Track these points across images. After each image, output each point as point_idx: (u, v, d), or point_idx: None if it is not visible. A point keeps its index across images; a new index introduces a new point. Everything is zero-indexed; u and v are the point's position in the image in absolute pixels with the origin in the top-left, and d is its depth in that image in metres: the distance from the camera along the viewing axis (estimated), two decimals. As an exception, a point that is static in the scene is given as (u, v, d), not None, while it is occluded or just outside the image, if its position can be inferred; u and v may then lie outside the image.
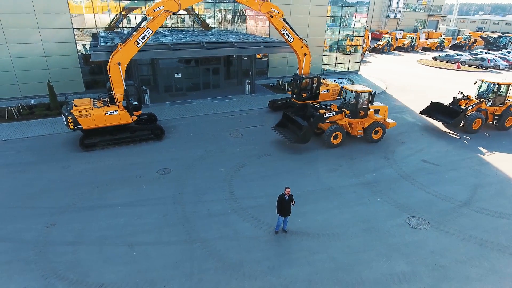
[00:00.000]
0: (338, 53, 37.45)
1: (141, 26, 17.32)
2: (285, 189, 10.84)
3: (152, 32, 17.36)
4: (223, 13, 31.38)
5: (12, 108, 21.44)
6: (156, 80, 27.69)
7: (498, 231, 11.96)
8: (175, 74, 27.39)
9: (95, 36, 25.42)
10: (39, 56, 24.08)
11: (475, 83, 22.18)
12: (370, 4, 38.37)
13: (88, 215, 12.28)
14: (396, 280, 9.73)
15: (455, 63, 45.64)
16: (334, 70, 37.93)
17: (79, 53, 25.37)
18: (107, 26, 26.50)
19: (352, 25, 37.15)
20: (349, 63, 38.50)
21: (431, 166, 16.67)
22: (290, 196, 10.84)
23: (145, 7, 26.56)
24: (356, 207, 13.20)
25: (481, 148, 18.93)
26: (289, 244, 11.06)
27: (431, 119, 22.28)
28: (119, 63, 16.84)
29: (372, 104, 18.56)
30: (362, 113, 18.34)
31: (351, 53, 38.12)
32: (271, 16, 20.54)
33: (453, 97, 21.96)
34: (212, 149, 17.82)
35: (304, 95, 22.44)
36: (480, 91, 21.85)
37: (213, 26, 30.68)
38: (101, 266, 9.97)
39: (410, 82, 35.31)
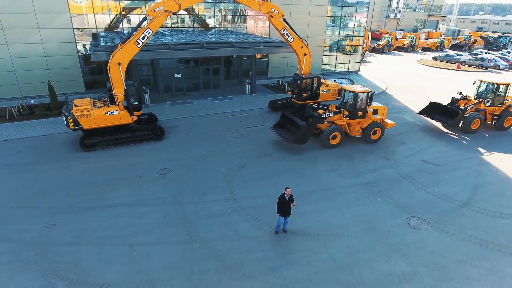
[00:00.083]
0: (338, 53, 37.45)
1: (141, 26, 17.32)
2: (285, 190, 10.85)
3: (152, 32, 17.36)
4: (223, 13, 31.39)
5: (12, 108, 21.45)
6: (156, 80, 27.69)
7: (498, 231, 11.96)
8: (175, 74, 27.39)
9: (95, 36, 25.42)
10: (39, 56, 24.08)
11: (474, 83, 22.18)
12: (370, 4, 38.38)
13: (89, 215, 12.29)
14: (397, 280, 9.74)
15: (455, 63, 45.64)
16: (334, 70, 37.94)
17: (79, 53, 25.37)
18: (107, 26, 26.50)
19: (352, 25, 37.15)
20: (349, 63, 38.50)
21: (431, 166, 16.67)
22: (291, 196, 10.85)
23: (145, 7, 26.56)
24: (356, 207, 13.20)
25: (481, 148, 18.93)
26: (289, 244, 11.06)
27: (430, 119, 22.26)
28: (119, 63, 16.84)
29: (370, 104, 18.54)
30: (360, 113, 18.32)
31: (351, 53, 38.12)
32: (271, 16, 20.55)
33: (452, 97, 21.96)
34: (212, 149, 17.83)
35: (304, 95, 22.43)
36: (479, 91, 21.82)
37: (213, 26, 30.68)
38: (101, 266, 9.97)
39: (410, 82, 35.32)
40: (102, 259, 10.23)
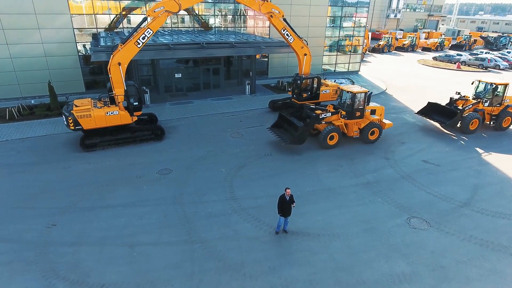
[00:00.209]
0: (338, 53, 37.46)
1: (141, 26, 17.33)
2: (285, 190, 10.85)
3: (153, 32, 17.36)
4: (223, 13, 31.40)
5: (12, 109, 21.45)
6: (157, 81, 27.70)
7: (499, 231, 11.96)
8: (175, 75, 27.40)
9: (95, 36, 25.43)
10: (40, 56, 24.09)
11: (472, 83, 22.14)
12: (370, 4, 38.38)
13: (89, 215, 12.29)
14: (397, 280, 9.74)
15: (455, 63, 45.64)
16: (334, 70, 37.95)
17: (79, 53, 25.38)
18: (107, 26, 26.50)
19: (352, 25, 37.15)
20: (349, 63, 38.51)
21: (431, 167, 16.68)
22: (291, 197, 10.85)
23: (146, 7, 26.57)
24: (357, 207, 13.21)
25: (481, 148, 18.94)
26: (289, 245, 11.06)
27: (428, 119, 22.18)
28: (119, 64, 16.84)
29: (368, 104, 18.50)
30: (358, 113, 18.27)
31: (351, 53, 38.12)
32: (271, 16, 20.55)
33: (450, 98, 21.92)
34: (212, 150, 17.83)
35: (305, 95, 22.43)
36: (477, 91, 21.78)
37: (213, 26, 30.68)
38: (101, 266, 9.98)
39: (410, 82, 35.33)
40: (102, 259, 10.24)
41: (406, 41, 62.20)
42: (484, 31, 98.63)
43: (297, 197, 11.92)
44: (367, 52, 54.85)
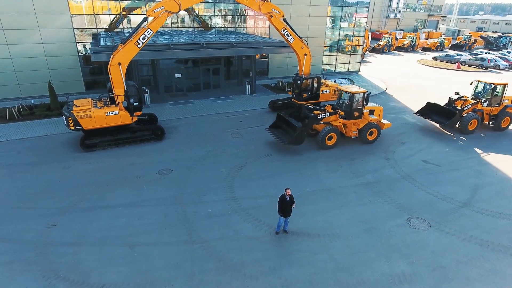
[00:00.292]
0: (338, 53, 37.46)
1: (141, 26, 17.33)
2: (285, 190, 10.86)
3: (153, 32, 17.36)
4: (223, 13, 31.40)
5: (12, 109, 21.45)
6: (157, 81, 27.70)
7: (499, 231, 11.96)
8: (176, 75, 27.40)
9: (95, 36, 25.43)
10: (40, 57, 24.09)
11: (471, 84, 22.10)
12: (370, 4, 38.38)
13: (89, 215, 12.29)
14: (397, 280, 9.74)
15: (455, 63, 45.64)
16: (335, 70, 37.95)
17: (79, 54, 25.38)
18: (107, 27, 26.51)
19: (352, 25, 37.14)
20: (349, 63, 38.51)
21: (431, 167, 16.68)
22: (291, 197, 10.85)
23: (146, 8, 26.57)
24: (357, 207, 13.21)
25: (481, 149, 18.94)
26: (289, 245, 11.07)
27: (427, 119, 22.10)
28: (119, 64, 16.84)
29: (366, 105, 18.45)
30: (356, 114, 18.24)
31: (351, 53, 38.12)
32: (271, 16, 20.55)
33: (449, 98, 21.89)
34: (212, 150, 17.83)
35: (305, 95, 22.43)
36: (476, 91, 21.73)
37: (213, 26, 30.69)
38: (102, 266, 9.98)
39: (410, 82, 35.33)
40: (102, 260, 10.24)
41: (406, 41, 62.21)
42: (484, 31, 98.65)
43: (297, 197, 11.92)
44: (367, 52, 54.85)
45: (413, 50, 62.34)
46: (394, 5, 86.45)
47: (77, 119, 16.39)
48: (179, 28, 29.79)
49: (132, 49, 17.15)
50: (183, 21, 30.17)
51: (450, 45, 66.59)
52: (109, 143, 17.72)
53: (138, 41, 17.07)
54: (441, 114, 21.28)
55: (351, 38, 37.53)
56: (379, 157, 17.57)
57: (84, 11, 25.17)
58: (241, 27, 32.09)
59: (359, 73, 38.87)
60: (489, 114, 21.36)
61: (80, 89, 26.03)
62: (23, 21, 22.90)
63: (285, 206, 10.88)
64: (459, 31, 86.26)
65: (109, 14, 26.33)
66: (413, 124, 22.52)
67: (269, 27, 31.74)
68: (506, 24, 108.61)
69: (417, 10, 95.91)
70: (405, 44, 61.75)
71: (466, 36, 67.63)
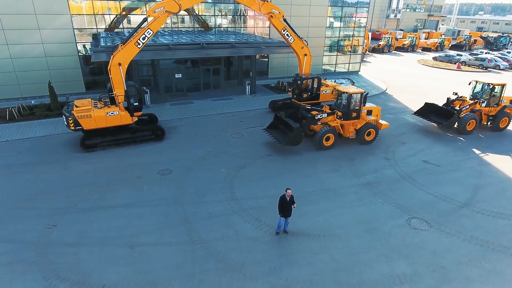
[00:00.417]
0: (338, 54, 37.45)
1: (141, 26, 17.33)
2: (286, 190, 10.86)
3: (153, 33, 17.37)
4: (223, 13, 31.39)
5: (12, 109, 21.46)
6: (157, 81, 27.70)
7: (499, 231, 11.97)
8: (176, 75, 27.40)
9: (95, 36, 25.43)
10: (40, 57, 24.09)
11: (469, 84, 22.04)
12: (370, 4, 38.37)
13: (89, 216, 12.29)
14: (397, 281, 9.74)
15: (455, 63, 45.63)
16: (335, 71, 37.94)
17: (79, 54, 25.38)
18: (107, 27, 26.50)
19: (352, 25, 37.14)
20: (349, 63, 38.51)
21: (431, 167, 16.67)
22: (292, 197, 10.85)
23: (146, 8, 26.57)
24: (357, 208, 13.21)
25: (481, 149, 18.93)
26: (290, 245, 11.06)
27: (426, 120, 21.96)
28: (119, 64, 16.84)
29: (364, 105, 18.38)
30: (354, 114, 18.20)
31: (351, 53, 38.11)
32: (271, 16, 20.55)
33: (447, 98, 21.86)
34: (212, 150, 17.83)
35: (305, 95, 22.43)
36: (474, 91, 21.66)
37: (213, 26, 30.69)
38: (102, 267, 9.98)
39: (411, 83, 35.33)
40: (103, 260, 10.24)
41: (406, 41, 62.20)
42: (484, 31, 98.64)
43: (297, 197, 11.92)
44: (367, 52, 54.85)
45: (413, 50, 62.34)
46: (394, 5, 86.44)
47: (77, 119, 16.38)
48: (179, 28, 29.79)
49: (132, 49, 17.15)
50: (183, 21, 30.18)
51: (450, 45, 66.58)
52: (109, 144, 17.72)
53: (138, 41, 17.07)
54: (440, 115, 21.22)
55: (350, 38, 37.49)
56: (379, 157, 17.57)
57: (84, 11, 25.17)
58: (241, 27, 32.09)
59: (359, 73, 38.87)
60: (488, 115, 21.28)
61: (80, 89, 26.03)
62: (23, 21, 22.90)
63: (285, 206, 10.88)
64: (459, 31, 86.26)
65: (109, 14, 26.33)
66: (413, 124, 22.52)
67: (269, 27, 31.74)
68: (506, 24, 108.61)
69: (417, 10, 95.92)
70: (405, 44, 61.75)
71: (466, 36, 67.62)
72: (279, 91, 29.34)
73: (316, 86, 22.61)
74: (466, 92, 23.40)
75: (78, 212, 12.47)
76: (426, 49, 63.02)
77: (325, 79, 25.39)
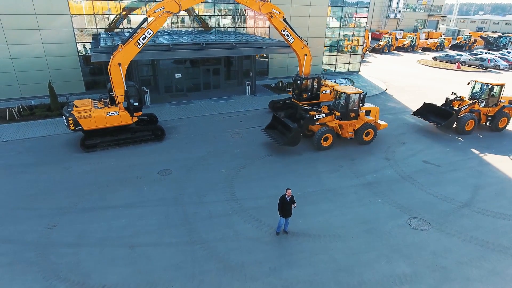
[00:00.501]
0: (338, 54, 37.45)
1: (141, 27, 17.32)
2: (286, 191, 10.86)
3: (153, 33, 17.36)
4: (223, 13, 31.39)
5: (12, 109, 21.45)
6: (157, 81, 27.70)
7: (499, 232, 11.97)
8: (176, 75, 27.40)
9: (95, 37, 25.42)
10: (40, 57, 24.08)
11: (468, 84, 22.01)
12: (370, 4, 38.37)
13: (89, 216, 12.29)
14: (398, 281, 9.74)
15: (455, 63, 45.63)
16: (335, 71, 37.94)
17: (79, 54, 25.37)
18: (107, 27, 26.50)
19: (352, 25, 37.13)
20: (349, 63, 38.51)
21: (431, 167, 16.67)
22: (292, 197, 10.85)
23: (146, 8, 26.56)
24: (357, 208, 13.21)
25: (481, 149, 18.93)
26: (290, 245, 11.07)
27: (424, 120, 21.89)
28: (119, 64, 16.84)
29: (363, 105, 18.35)
30: (352, 114, 18.16)
31: (351, 53, 38.11)
32: (271, 16, 20.55)
33: (446, 98, 21.83)
34: (213, 150, 17.83)
35: (305, 95, 22.43)
36: (473, 91, 21.60)
37: (213, 26, 30.68)
38: (102, 267, 9.98)
39: (411, 83, 35.33)
40: (103, 260, 10.24)
41: (406, 41, 62.20)
42: (484, 31, 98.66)
43: (297, 197, 11.92)
44: (367, 52, 54.85)
45: (413, 50, 62.34)
46: (394, 5, 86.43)
47: (77, 119, 16.38)
48: (179, 28, 29.79)
49: (132, 49, 17.15)
50: (183, 21, 30.18)
51: (450, 45, 66.58)
52: (109, 144, 17.71)
53: (138, 41, 17.07)
54: (438, 115, 21.18)
55: (350, 38, 37.48)
56: (379, 157, 17.57)
57: (84, 11, 25.16)
58: (241, 27, 32.09)
59: (359, 73, 38.87)
60: (486, 115, 21.24)
61: (80, 89, 26.02)
62: (23, 21, 22.89)
63: (285, 206, 10.88)
64: (459, 31, 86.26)
65: (109, 15, 26.32)
66: (413, 125, 22.51)
67: (269, 27, 31.74)
68: (506, 24, 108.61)
69: (417, 10, 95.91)
70: (405, 44, 61.74)
71: (466, 36, 67.62)
72: (279, 91, 29.34)
73: (316, 86, 22.61)
74: (465, 92, 23.38)
75: (78, 212, 12.47)
76: (426, 49, 63.02)
77: (325, 79, 25.38)
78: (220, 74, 29.14)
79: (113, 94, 17.26)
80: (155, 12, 17.20)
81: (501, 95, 20.91)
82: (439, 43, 63.48)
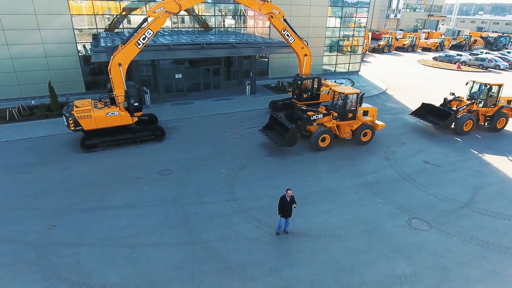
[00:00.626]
0: (339, 54, 37.45)
1: (142, 27, 17.32)
2: (286, 191, 10.86)
3: (153, 33, 17.36)
4: (223, 13, 31.39)
5: (12, 109, 21.44)
6: (157, 81, 27.69)
7: (499, 232, 11.96)
8: (176, 75, 27.39)
9: (95, 37, 25.42)
10: (40, 57, 24.07)
11: (466, 84, 21.98)
12: (370, 4, 38.36)
13: (89, 216, 12.29)
14: (398, 281, 9.74)
15: (455, 63, 45.63)
16: (335, 71, 37.94)
17: (79, 54, 25.37)
18: (107, 27, 26.50)
19: (352, 25, 37.13)
20: (349, 63, 38.51)
21: (432, 167, 16.67)
22: (292, 198, 10.85)
23: (146, 8, 26.56)
24: (357, 208, 13.20)
25: (481, 149, 18.92)
26: (290, 246, 11.06)
27: (423, 120, 21.84)
28: (120, 64, 16.84)
29: (360, 105, 18.31)
30: (350, 115, 18.12)
31: (351, 53, 38.10)
32: (271, 17, 20.54)
33: (444, 98, 21.79)
34: (213, 150, 17.83)
35: (305, 95, 22.43)
36: (471, 92, 21.55)
37: (213, 26, 30.68)
38: (102, 267, 9.98)
39: (411, 83, 35.33)
40: (103, 261, 10.24)
41: (406, 41, 62.19)
42: (484, 31, 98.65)
43: (297, 197, 11.90)
44: (367, 52, 54.85)
45: (413, 50, 62.33)
46: (394, 5, 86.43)
47: (77, 119, 16.38)
48: (179, 29, 29.78)
49: (133, 49, 17.15)
50: (183, 21, 30.17)
51: (450, 45, 66.57)
52: (109, 144, 17.71)
53: (139, 41, 17.07)
54: (436, 115, 21.14)
55: (349, 38, 37.46)
56: (380, 157, 17.57)
57: (84, 11, 25.16)
58: (241, 27, 32.09)
59: (359, 73, 38.86)
60: (485, 115, 21.19)
61: (80, 89, 26.02)
62: (23, 21, 22.89)
63: (285, 207, 10.87)
64: (459, 31, 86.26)
65: (109, 15, 26.32)
66: (413, 125, 22.51)
67: (269, 27, 31.73)
68: (506, 24, 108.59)
69: (417, 10, 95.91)
70: (405, 44, 61.73)
71: (466, 36, 67.60)
72: (279, 91, 29.33)
73: (316, 86, 22.60)
74: (465, 92, 23.34)
75: (78, 213, 12.47)
76: (426, 49, 63.02)
77: (325, 79, 25.38)
78: (220, 74, 29.14)
79: (113, 94, 17.26)
80: (155, 12, 17.20)
81: (499, 95, 20.87)
82: (439, 43, 63.48)
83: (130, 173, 15.35)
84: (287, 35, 21.27)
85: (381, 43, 59.40)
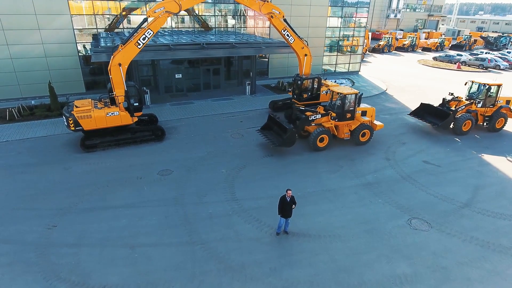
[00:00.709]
0: (339, 54, 37.44)
1: (142, 27, 17.31)
2: (286, 191, 10.85)
3: (153, 33, 17.35)
4: (223, 13, 31.39)
5: (12, 109, 21.44)
6: (157, 81, 27.69)
7: (500, 232, 11.96)
8: (176, 75, 27.39)
9: (95, 37, 25.41)
10: (40, 57, 24.07)
11: (465, 84, 21.92)
12: (370, 4, 38.36)
13: (89, 216, 12.29)
14: (398, 281, 9.73)
15: (455, 63, 45.62)
16: (335, 71, 37.93)
17: (79, 54, 25.37)
18: (107, 27, 26.49)
19: (353, 25, 37.13)
20: (349, 63, 38.50)
21: (432, 167, 16.67)
22: (292, 198, 10.84)
23: (146, 8, 26.55)
24: (357, 208, 13.20)
25: (481, 149, 18.92)
26: (290, 246, 11.06)
27: (422, 120, 21.80)
28: (120, 64, 16.83)
29: (359, 106, 18.27)
30: (348, 115, 18.10)
31: (351, 53, 38.09)
32: (271, 17, 20.54)
33: (443, 98, 21.76)
34: (213, 150, 17.82)
35: (305, 96, 22.43)
36: (470, 92, 21.53)
37: (213, 26, 30.68)
38: (102, 268, 9.97)
39: (411, 83, 35.32)
40: (103, 261, 10.23)
41: (406, 41, 62.18)
42: (484, 31, 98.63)
43: (297, 198, 11.89)
44: (367, 52, 54.84)
45: (413, 50, 62.33)
46: (394, 5, 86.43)
47: (77, 119, 16.38)
48: (179, 29, 29.78)
49: (133, 49, 17.14)
50: (183, 21, 30.17)
51: (450, 45, 66.57)
52: (109, 144, 17.70)
53: (139, 41, 17.06)
54: (435, 115, 21.12)
55: (349, 38, 37.45)
56: (380, 157, 17.56)
57: (84, 11, 25.15)
58: (241, 27, 32.09)
59: (359, 73, 38.86)
60: (483, 115, 21.17)
61: (80, 89, 26.02)
62: (23, 21, 22.88)
63: (285, 207, 10.87)
64: (459, 31, 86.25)
65: (109, 15, 26.32)
66: (413, 125, 22.50)
67: (269, 27, 31.72)
68: (506, 24, 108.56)
69: (417, 10, 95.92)
70: (405, 44, 61.73)
71: (466, 36, 67.59)
72: (279, 91, 29.33)
73: (316, 86, 22.60)
74: (462, 93, 23.35)
75: (78, 213, 12.46)
76: (426, 49, 63.02)
77: (325, 79, 25.37)
78: (220, 74, 29.13)
79: (113, 94, 17.26)
80: (155, 12, 17.20)
81: (498, 96, 20.85)
82: (439, 43, 63.47)
83: (130, 173, 15.35)
84: (287, 35, 21.27)
85: (381, 43, 59.40)
